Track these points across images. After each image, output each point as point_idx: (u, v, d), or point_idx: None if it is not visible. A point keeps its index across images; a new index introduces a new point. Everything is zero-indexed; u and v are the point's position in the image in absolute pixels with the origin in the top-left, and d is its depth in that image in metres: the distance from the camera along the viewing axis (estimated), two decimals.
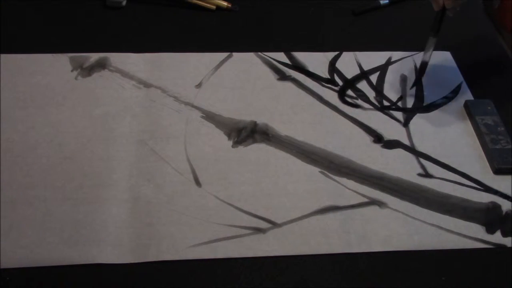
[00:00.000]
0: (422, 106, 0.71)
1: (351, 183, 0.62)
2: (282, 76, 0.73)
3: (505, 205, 0.61)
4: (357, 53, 0.77)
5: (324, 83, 0.73)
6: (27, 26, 0.78)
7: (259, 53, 0.76)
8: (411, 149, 0.65)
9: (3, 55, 0.72)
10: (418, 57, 0.77)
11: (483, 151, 0.66)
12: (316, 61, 0.75)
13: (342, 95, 0.71)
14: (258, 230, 0.57)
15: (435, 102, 0.71)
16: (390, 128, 0.68)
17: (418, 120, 0.69)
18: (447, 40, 0.80)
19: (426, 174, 0.63)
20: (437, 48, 0.79)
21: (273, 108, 0.69)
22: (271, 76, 0.73)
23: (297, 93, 0.71)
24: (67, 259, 0.53)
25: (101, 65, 0.72)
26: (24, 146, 0.62)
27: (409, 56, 0.77)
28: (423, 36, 0.81)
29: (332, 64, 0.75)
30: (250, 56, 0.76)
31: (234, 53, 0.76)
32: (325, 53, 0.77)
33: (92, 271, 0.53)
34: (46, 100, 0.67)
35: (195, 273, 0.53)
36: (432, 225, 0.58)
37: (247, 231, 0.57)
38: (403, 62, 0.76)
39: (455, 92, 0.73)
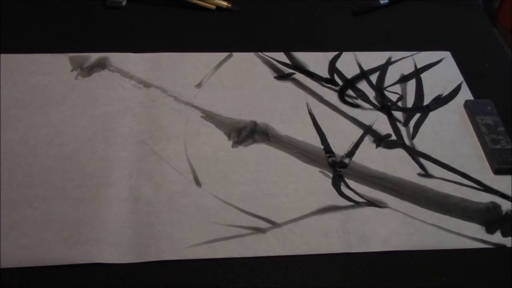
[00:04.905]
0: (422, 106, 0.71)
1: (351, 183, 0.62)
2: (282, 75, 0.73)
3: (505, 205, 0.60)
4: (357, 53, 0.77)
5: (324, 83, 0.73)
6: (27, 26, 0.78)
7: (259, 53, 0.76)
8: (411, 149, 0.65)
9: (3, 55, 0.72)
10: (418, 57, 0.77)
11: (483, 151, 0.66)
12: (316, 61, 0.75)
13: (342, 95, 0.71)
14: (258, 230, 0.57)
15: (435, 102, 0.71)
16: (390, 128, 0.68)
17: (418, 120, 0.69)
18: (447, 40, 0.80)
19: (426, 174, 0.63)
20: (437, 48, 0.79)
21: (273, 108, 0.69)
22: (271, 76, 0.73)
23: (297, 93, 0.71)
24: (67, 259, 0.53)
25: (101, 65, 0.72)
26: (24, 146, 0.62)
27: (409, 56, 0.77)
28: (423, 36, 0.81)
29: (332, 64, 0.75)
30: (250, 56, 0.76)
31: (234, 53, 0.76)
32: (325, 53, 0.77)
33: (92, 271, 0.53)
34: (46, 100, 0.67)
35: (195, 273, 0.53)
36: (432, 225, 0.58)
37: (247, 231, 0.57)
38: (403, 62, 0.76)
39: (455, 92, 0.73)
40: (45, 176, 0.60)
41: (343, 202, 0.60)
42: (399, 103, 0.71)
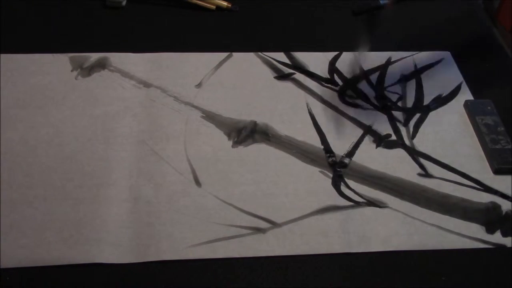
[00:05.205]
0: (422, 106, 0.71)
1: (351, 183, 0.62)
2: (282, 75, 0.73)
3: (505, 205, 0.60)
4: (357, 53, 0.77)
5: (324, 83, 0.73)
6: (27, 26, 0.78)
7: (259, 53, 0.76)
8: (411, 149, 0.65)
9: (3, 55, 0.72)
10: (418, 57, 0.77)
11: (483, 151, 0.66)
12: (316, 61, 0.75)
13: (342, 95, 0.71)
14: (258, 230, 0.57)
15: (435, 102, 0.71)
16: (390, 128, 0.68)
17: (418, 120, 0.69)
18: (447, 40, 0.80)
19: (426, 174, 0.63)
20: (437, 48, 0.79)
21: (273, 108, 0.69)
22: (271, 76, 0.73)
23: (297, 93, 0.71)
24: (67, 259, 0.53)
25: (101, 65, 0.72)
26: (24, 146, 0.62)
27: (409, 56, 0.77)
28: (423, 36, 0.81)
29: (332, 64, 0.75)
30: (250, 56, 0.76)
31: (234, 53, 0.76)
32: (325, 53, 0.77)
33: (92, 271, 0.53)
34: (46, 100, 0.67)
35: (195, 273, 0.53)
36: (432, 225, 0.58)
37: (247, 231, 0.57)
38: (403, 62, 0.76)
39: (455, 92, 0.73)
40: (45, 176, 0.60)
41: (343, 202, 0.60)
42: (399, 103, 0.71)
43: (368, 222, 0.58)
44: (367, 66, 0.75)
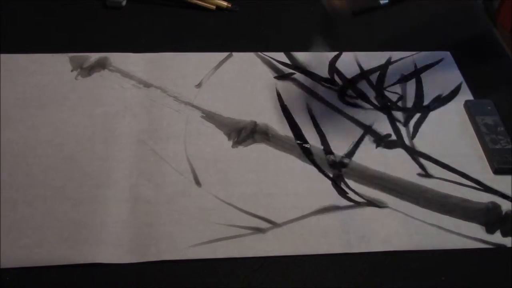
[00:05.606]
0: (422, 106, 0.71)
1: (351, 183, 0.62)
2: (282, 75, 0.73)
3: (505, 205, 0.61)
4: (357, 53, 0.77)
5: (324, 83, 0.73)
6: (27, 26, 0.78)
7: (259, 53, 0.76)
8: (411, 149, 0.65)
9: (3, 55, 0.72)
10: (418, 57, 0.77)
11: (483, 151, 0.66)
12: (316, 61, 0.75)
13: (342, 95, 0.71)
14: (258, 230, 0.57)
15: (435, 102, 0.71)
16: (390, 128, 0.68)
17: (418, 120, 0.69)
18: (447, 40, 0.80)
19: (426, 174, 0.63)
20: (437, 48, 0.79)
21: (273, 108, 0.69)
22: (271, 76, 0.73)
23: (297, 93, 0.71)
24: (67, 259, 0.53)
25: (101, 65, 0.72)
26: (24, 146, 0.62)
27: (409, 56, 0.77)
28: (423, 36, 0.81)
29: (332, 64, 0.75)
30: (250, 56, 0.76)
31: (234, 53, 0.76)
32: (325, 53, 0.77)
33: (92, 271, 0.53)
34: (46, 100, 0.67)
35: (195, 273, 0.53)
36: (432, 225, 0.58)
37: (247, 231, 0.57)
38: (403, 62, 0.76)
39: (455, 92, 0.73)
40: (45, 176, 0.60)
41: (343, 202, 0.60)
42: (399, 103, 0.71)
43: (368, 222, 0.58)
44: (367, 66, 0.75)
